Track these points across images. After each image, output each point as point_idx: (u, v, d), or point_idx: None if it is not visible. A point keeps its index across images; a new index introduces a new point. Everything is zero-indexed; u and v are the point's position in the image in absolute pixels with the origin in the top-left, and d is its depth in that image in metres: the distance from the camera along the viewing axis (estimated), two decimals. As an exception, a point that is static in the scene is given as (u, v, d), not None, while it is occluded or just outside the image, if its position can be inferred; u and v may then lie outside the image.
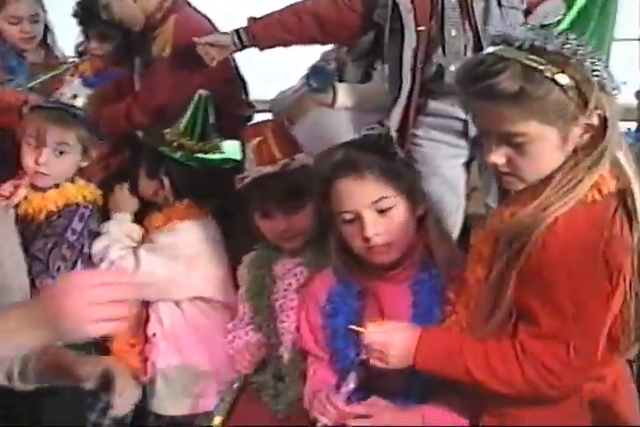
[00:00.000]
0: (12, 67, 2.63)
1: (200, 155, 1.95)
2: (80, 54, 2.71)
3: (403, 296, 1.51)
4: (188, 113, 1.94)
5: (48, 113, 1.97)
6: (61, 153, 1.94)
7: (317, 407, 1.49)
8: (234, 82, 2.51)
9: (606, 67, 1.15)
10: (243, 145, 1.76)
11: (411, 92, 1.86)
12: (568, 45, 1.12)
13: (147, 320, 1.98)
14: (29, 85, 2.50)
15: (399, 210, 1.46)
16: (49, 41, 2.73)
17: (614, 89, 1.16)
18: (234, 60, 2.45)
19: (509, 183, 1.21)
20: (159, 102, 2.30)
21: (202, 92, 1.92)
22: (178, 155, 1.94)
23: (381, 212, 1.44)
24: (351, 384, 1.48)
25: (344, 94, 2.08)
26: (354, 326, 1.40)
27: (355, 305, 1.55)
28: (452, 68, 1.81)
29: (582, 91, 1.12)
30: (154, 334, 1.97)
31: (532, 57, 1.11)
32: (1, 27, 2.61)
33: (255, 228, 1.78)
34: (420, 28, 1.82)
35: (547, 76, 1.10)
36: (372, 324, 1.39)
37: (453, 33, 1.82)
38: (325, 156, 1.54)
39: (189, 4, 2.44)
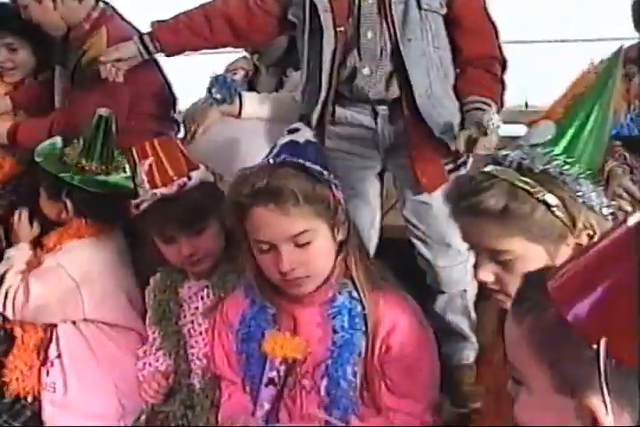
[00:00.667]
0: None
1: (101, 177, 1.86)
2: None
3: (321, 319, 1.46)
4: (88, 134, 1.85)
5: None
6: None
7: None
8: (162, 98, 2.36)
9: (597, 186, 1.13)
10: (133, 167, 1.67)
11: (327, 98, 1.78)
12: (554, 164, 1.11)
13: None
14: None
15: (319, 241, 1.39)
16: None
17: (607, 207, 1.14)
18: (164, 77, 2.34)
19: (500, 301, 1.17)
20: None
21: (102, 111, 1.81)
22: (77, 180, 1.85)
23: (300, 245, 1.37)
24: (265, 405, 1.45)
25: (251, 104, 2.01)
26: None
27: (268, 327, 1.48)
28: (366, 71, 1.74)
29: (570, 210, 1.11)
30: (57, 355, 1.88)
31: (521, 177, 1.11)
32: None
33: (158, 253, 1.68)
34: (339, 29, 1.74)
35: (534, 196, 1.10)
36: None
37: (369, 35, 1.74)
38: (244, 178, 1.41)
39: (119, 15, 2.30)
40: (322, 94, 1.76)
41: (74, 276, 1.81)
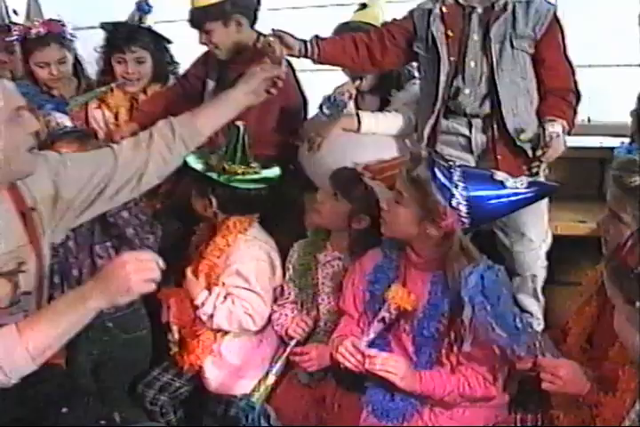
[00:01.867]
0: (43, 104, 2.80)
1: (240, 177, 2.24)
2: (103, 82, 2.89)
3: (424, 282, 1.90)
4: (231, 142, 2.23)
5: None
6: None
7: (341, 351, 1.84)
8: (297, 113, 2.66)
9: None
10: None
11: (439, 111, 2.24)
12: None
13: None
14: (68, 108, 2.79)
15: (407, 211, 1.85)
16: (79, 73, 2.95)
17: None
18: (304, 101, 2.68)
19: None
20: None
21: (239, 123, 2.19)
22: (222, 178, 2.23)
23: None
24: (371, 335, 1.87)
25: (368, 121, 2.38)
26: None
27: (391, 275, 1.95)
28: (467, 91, 2.20)
29: None
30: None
31: None
32: (32, 69, 2.86)
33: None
34: (451, 58, 2.20)
35: None
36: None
37: (472, 64, 2.19)
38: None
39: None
40: (436, 108, 2.22)
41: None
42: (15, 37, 2.89)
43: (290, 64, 2.50)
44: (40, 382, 1.68)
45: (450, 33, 2.20)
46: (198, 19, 2.52)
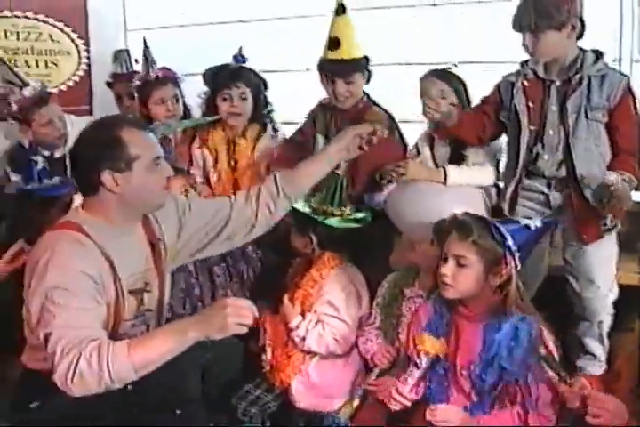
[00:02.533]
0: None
1: (337, 218, 2.54)
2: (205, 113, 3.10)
3: (477, 333, 2.08)
4: (330, 188, 2.55)
5: None
6: None
7: (390, 396, 2.18)
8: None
9: None
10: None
11: (521, 173, 2.50)
12: None
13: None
14: (162, 131, 2.98)
15: (471, 271, 2.05)
16: (186, 115, 3.26)
17: None
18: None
19: None
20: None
21: (338, 171, 2.52)
22: (322, 219, 2.52)
23: (459, 265, 2.06)
24: (410, 380, 2.19)
25: (454, 174, 2.59)
26: None
27: (441, 332, 2.16)
28: (545, 157, 2.44)
29: None
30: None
31: None
32: (150, 109, 3.17)
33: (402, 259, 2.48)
34: (531, 127, 2.45)
35: None
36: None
37: (551, 133, 2.42)
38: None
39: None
40: (518, 171, 2.48)
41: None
42: (138, 83, 3.26)
43: (391, 117, 2.84)
44: (155, 386, 1.97)
45: (531, 104, 2.44)
46: (345, 69, 2.79)
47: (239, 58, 3.07)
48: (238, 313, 1.74)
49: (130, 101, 3.51)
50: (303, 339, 2.45)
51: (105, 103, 3.68)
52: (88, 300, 1.86)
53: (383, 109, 2.91)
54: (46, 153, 3.30)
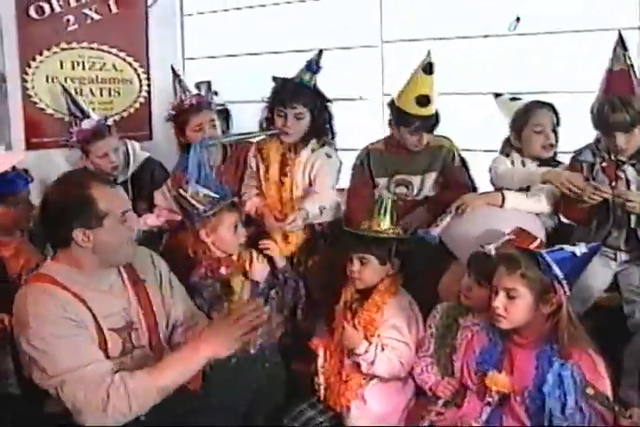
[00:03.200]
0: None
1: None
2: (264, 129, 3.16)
3: (530, 360, 2.15)
4: (382, 210, 2.65)
5: None
6: None
7: None
8: None
9: None
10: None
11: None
12: None
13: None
14: (223, 140, 3.20)
15: (521, 302, 2.12)
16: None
17: None
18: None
19: None
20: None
21: (389, 195, 2.72)
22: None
23: (509, 297, 2.13)
24: (484, 416, 2.20)
25: (511, 199, 2.72)
26: None
27: (495, 358, 2.23)
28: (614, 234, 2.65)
29: None
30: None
31: None
32: (188, 136, 3.24)
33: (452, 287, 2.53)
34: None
35: None
36: None
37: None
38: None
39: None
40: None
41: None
42: (172, 112, 3.33)
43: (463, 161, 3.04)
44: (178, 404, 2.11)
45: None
46: (430, 124, 3.00)
47: (313, 66, 3.09)
48: (245, 324, 1.94)
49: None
50: (372, 363, 2.51)
51: (164, 128, 3.77)
52: (79, 339, 1.96)
53: (443, 136, 3.11)
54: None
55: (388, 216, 2.66)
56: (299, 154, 3.11)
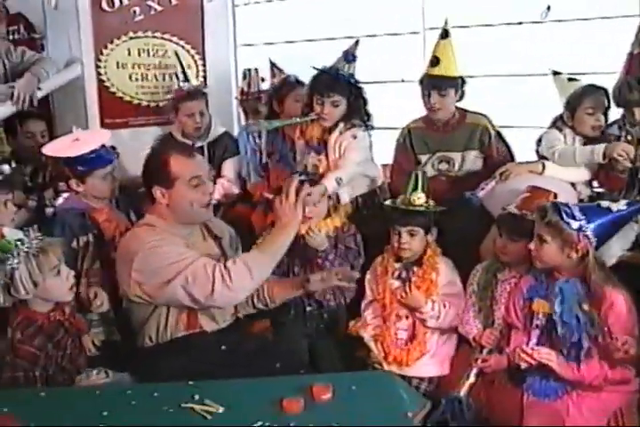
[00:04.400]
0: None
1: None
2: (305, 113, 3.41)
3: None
4: (418, 185, 2.95)
5: None
6: None
7: (520, 357, 2.44)
8: None
9: None
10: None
11: None
12: None
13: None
14: (261, 127, 3.55)
15: (549, 246, 2.45)
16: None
17: None
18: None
19: None
20: None
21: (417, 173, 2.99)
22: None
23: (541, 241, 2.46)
24: (533, 339, 2.49)
25: (551, 167, 3.08)
26: None
27: (542, 293, 2.53)
28: None
29: None
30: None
31: None
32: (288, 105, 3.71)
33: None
34: None
35: None
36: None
37: None
38: None
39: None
40: None
41: None
42: (276, 84, 3.88)
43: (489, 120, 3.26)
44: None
45: None
46: (440, 84, 3.30)
47: (349, 56, 3.36)
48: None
49: (254, 116, 4.02)
50: (437, 318, 2.84)
51: (219, 108, 4.18)
52: (179, 248, 2.42)
53: (479, 113, 3.38)
54: (189, 142, 3.82)
55: (422, 190, 2.94)
56: (334, 132, 3.36)
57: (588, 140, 3.14)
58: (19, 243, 2.14)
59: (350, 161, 3.30)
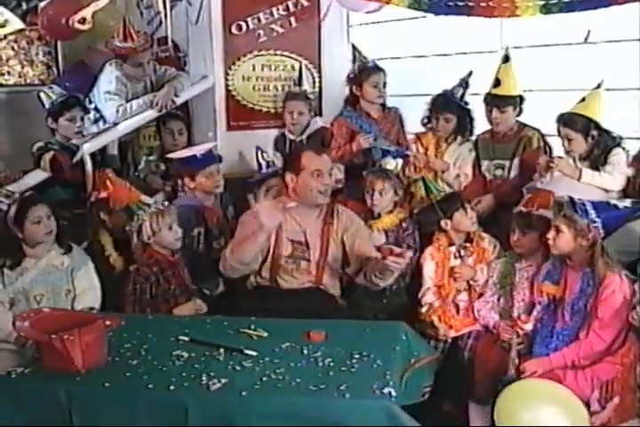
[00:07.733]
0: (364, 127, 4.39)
1: None
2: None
3: (577, 278, 2.98)
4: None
5: None
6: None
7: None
8: None
9: None
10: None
11: None
12: None
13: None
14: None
15: (562, 235, 2.95)
16: None
17: None
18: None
19: None
20: None
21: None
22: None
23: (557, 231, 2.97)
24: (535, 313, 3.10)
25: (587, 175, 3.51)
26: None
27: (556, 277, 3.07)
28: None
29: None
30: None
31: None
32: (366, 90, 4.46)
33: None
34: None
35: None
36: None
37: None
38: None
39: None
40: None
41: None
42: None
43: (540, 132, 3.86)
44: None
45: None
46: (500, 102, 3.95)
47: (463, 82, 4.19)
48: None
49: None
50: (485, 282, 3.42)
51: (332, 111, 4.88)
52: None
53: (533, 128, 3.99)
54: (292, 137, 4.65)
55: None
56: (449, 145, 4.23)
57: None
58: (146, 207, 3.39)
59: (467, 170, 4.23)
